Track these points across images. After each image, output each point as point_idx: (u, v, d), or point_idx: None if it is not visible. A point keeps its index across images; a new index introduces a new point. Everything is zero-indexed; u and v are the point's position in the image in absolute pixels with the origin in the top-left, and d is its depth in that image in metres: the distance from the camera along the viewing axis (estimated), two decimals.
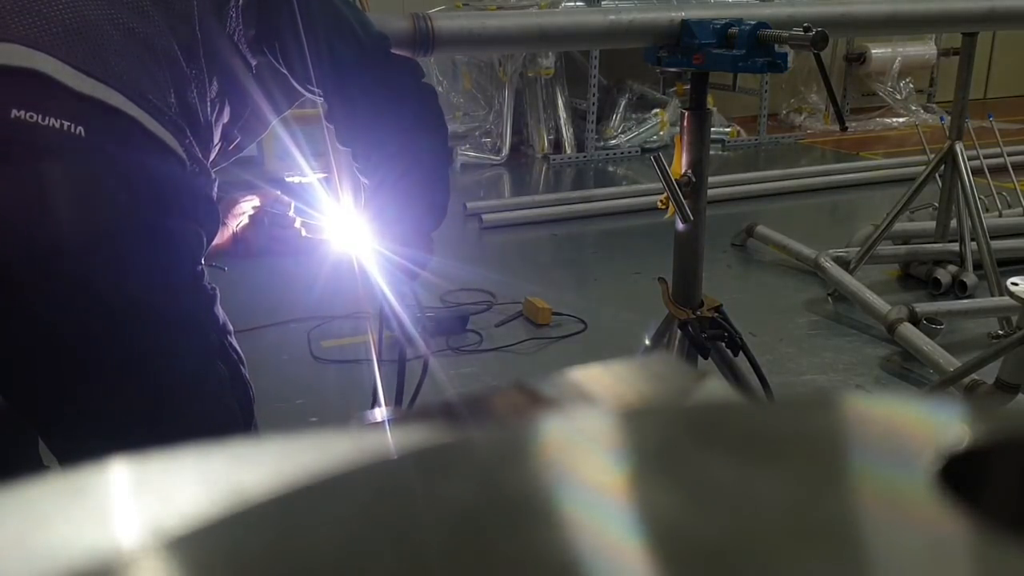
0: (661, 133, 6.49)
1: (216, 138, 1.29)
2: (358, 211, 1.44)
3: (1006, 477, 0.23)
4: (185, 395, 1.12)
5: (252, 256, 1.75)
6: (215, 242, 1.68)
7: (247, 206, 1.70)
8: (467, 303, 3.50)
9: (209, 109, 1.20)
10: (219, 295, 1.15)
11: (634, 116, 6.55)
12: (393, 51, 1.27)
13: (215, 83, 1.21)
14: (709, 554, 0.20)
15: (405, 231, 1.40)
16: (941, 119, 5.02)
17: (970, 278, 3.50)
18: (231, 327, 1.20)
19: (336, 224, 1.72)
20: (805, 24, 1.53)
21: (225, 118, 1.29)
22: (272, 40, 1.22)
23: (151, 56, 1.08)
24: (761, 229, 4.09)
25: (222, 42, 1.20)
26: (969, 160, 3.36)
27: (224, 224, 1.68)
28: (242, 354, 1.20)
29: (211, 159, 1.27)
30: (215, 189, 1.18)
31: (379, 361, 1.75)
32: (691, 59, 1.66)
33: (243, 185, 1.42)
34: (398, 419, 0.40)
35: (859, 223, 4.04)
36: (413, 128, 1.26)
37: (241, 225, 1.71)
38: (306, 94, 1.29)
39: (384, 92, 1.22)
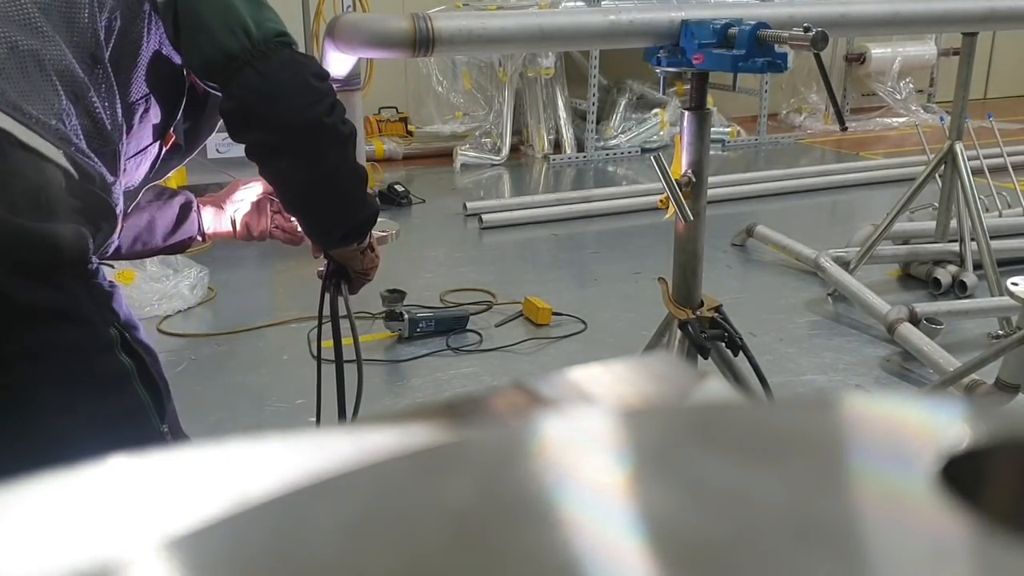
0: (661, 133, 6.49)
1: (148, 138, 1.35)
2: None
3: (1006, 477, 0.23)
4: (80, 387, 1.16)
5: (254, 241, 1.76)
6: (214, 230, 1.69)
7: (247, 192, 1.70)
8: (467, 303, 3.50)
9: (122, 112, 1.26)
10: (119, 292, 1.20)
11: (634, 116, 6.55)
12: (294, 50, 1.29)
13: (135, 85, 1.28)
14: (709, 554, 0.20)
15: (319, 230, 1.48)
16: (941, 119, 5.02)
17: (970, 278, 3.50)
18: (137, 323, 1.23)
19: None
20: (805, 24, 1.53)
21: (155, 118, 1.34)
22: (176, 38, 1.28)
23: (38, 70, 1.14)
24: (761, 229, 4.09)
25: (141, 45, 1.27)
26: (969, 160, 3.36)
27: (220, 208, 1.69)
28: (152, 348, 1.25)
29: (132, 155, 1.34)
30: (116, 188, 1.24)
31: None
32: (691, 59, 1.66)
33: (249, 172, 1.46)
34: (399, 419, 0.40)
35: (859, 223, 4.04)
36: (302, 128, 1.28)
37: (241, 211, 1.71)
38: (209, 89, 1.34)
39: (269, 89, 1.25)
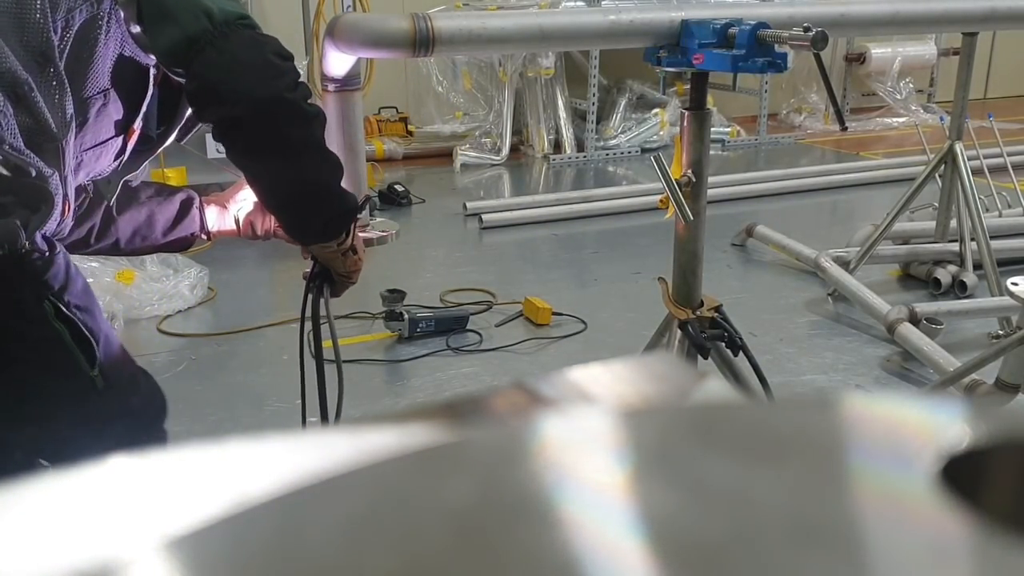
0: (661, 133, 6.49)
1: (108, 132, 1.41)
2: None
3: (1006, 477, 0.23)
4: (13, 353, 1.30)
5: (258, 240, 1.76)
6: (218, 228, 1.70)
7: (251, 192, 1.70)
8: (467, 303, 3.50)
9: (75, 107, 1.32)
10: (59, 260, 1.29)
11: (634, 116, 6.55)
12: (255, 30, 1.33)
13: (91, 81, 1.33)
14: (709, 554, 0.20)
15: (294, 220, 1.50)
16: (941, 119, 5.03)
17: (970, 278, 3.50)
18: (77, 282, 1.33)
19: None
20: (805, 24, 1.53)
21: (116, 113, 1.39)
22: (142, 31, 1.34)
23: None
24: (761, 229, 4.09)
25: (98, 42, 1.32)
26: (969, 160, 3.36)
27: (224, 207, 1.70)
28: (90, 304, 1.36)
29: (90, 147, 1.40)
30: (54, 178, 1.29)
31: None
32: (691, 59, 1.66)
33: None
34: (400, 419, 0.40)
35: (859, 223, 4.04)
36: (263, 100, 1.31)
37: (244, 210, 1.72)
38: (174, 77, 1.38)
39: (230, 65, 1.29)
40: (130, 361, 1.46)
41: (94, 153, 1.42)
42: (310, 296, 1.66)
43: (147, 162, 1.61)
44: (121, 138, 1.45)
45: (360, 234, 1.77)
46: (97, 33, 1.31)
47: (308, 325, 1.70)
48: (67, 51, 1.29)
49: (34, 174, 1.25)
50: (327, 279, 1.64)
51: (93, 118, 1.37)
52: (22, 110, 1.24)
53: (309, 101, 1.37)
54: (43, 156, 1.27)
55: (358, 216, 1.69)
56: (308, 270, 1.67)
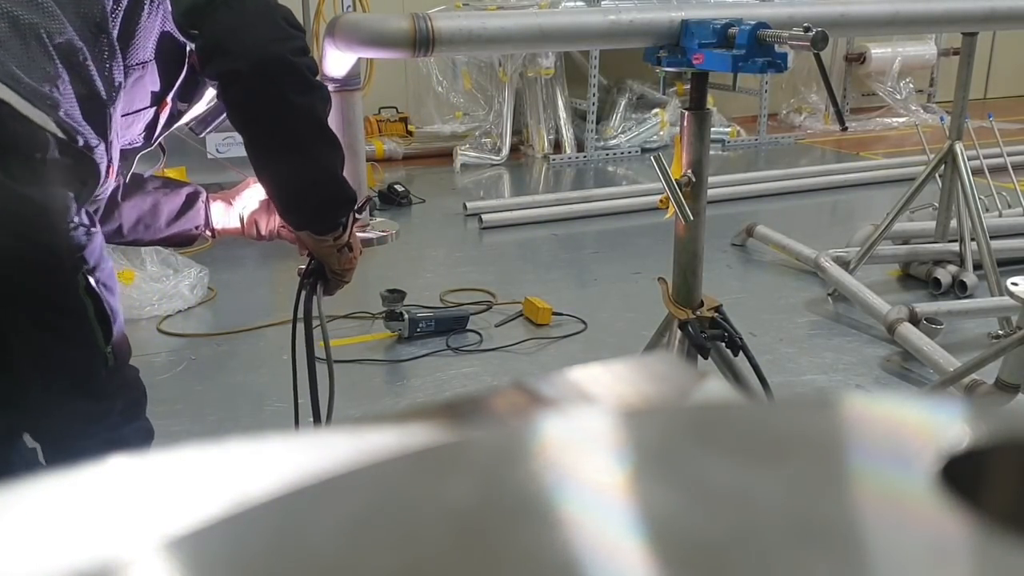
0: (661, 133, 6.49)
1: (144, 101, 1.46)
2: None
3: (1006, 477, 0.23)
4: (44, 321, 1.35)
5: (262, 240, 1.77)
6: (222, 225, 1.71)
7: (257, 191, 1.71)
8: (467, 303, 3.50)
9: (122, 75, 1.37)
10: (96, 238, 1.34)
11: (634, 116, 6.55)
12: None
13: (135, 53, 1.39)
14: (709, 554, 0.20)
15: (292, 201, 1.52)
16: (941, 119, 5.02)
17: (970, 278, 3.50)
18: (106, 262, 1.39)
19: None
20: (805, 24, 1.53)
21: (152, 84, 1.45)
22: None
23: (36, 41, 1.26)
24: (761, 229, 4.09)
25: (142, 16, 1.38)
26: (969, 160, 3.36)
27: (229, 204, 1.71)
28: (112, 283, 1.41)
29: (125, 115, 1.44)
30: (99, 148, 1.34)
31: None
32: (691, 59, 1.66)
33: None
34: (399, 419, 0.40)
35: (859, 223, 4.04)
36: (266, 58, 1.34)
37: (249, 208, 1.72)
38: (188, 41, 1.43)
39: (239, 23, 1.34)
40: (129, 345, 1.50)
41: (127, 121, 1.47)
42: (303, 294, 1.66)
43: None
44: (154, 109, 1.50)
45: (360, 234, 1.77)
46: (143, 5, 1.37)
47: (303, 324, 1.70)
48: (119, 22, 1.34)
49: (81, 143, 1.29)
50: (321, 277, 1.64)
51: (131, 85, 1.42)
52: (76, 78, 1.29)
53: (316, 77, 1.39)
54: (93, 125, 1.32)
55: (357, 216, 1.68)
56: (303, 267, 1.67)
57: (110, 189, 1.45)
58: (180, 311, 3.45)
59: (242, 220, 1.73)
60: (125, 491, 0.28)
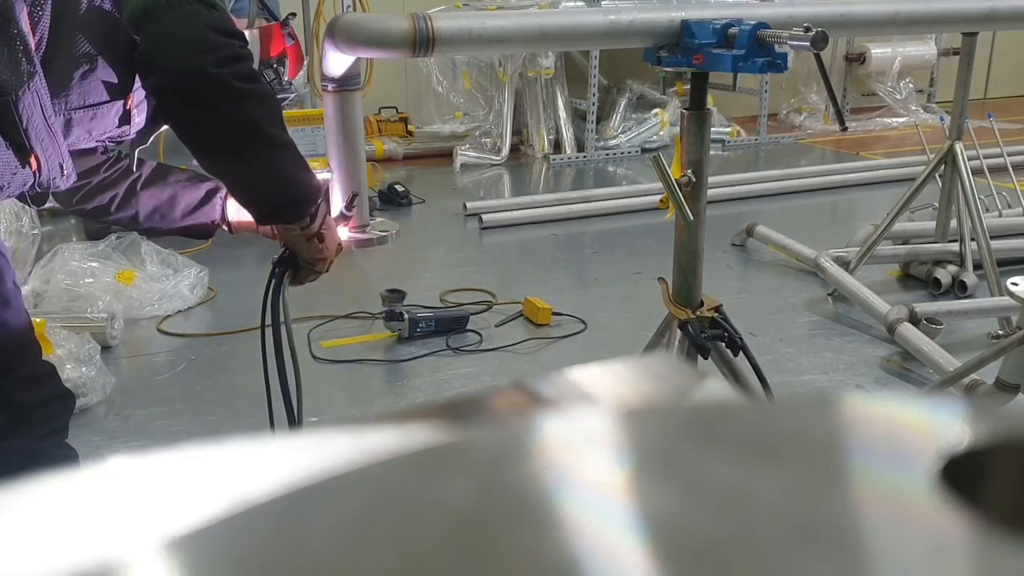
0: (661, 133, 6.49)
1: (100, 96, 1.48)
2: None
3: (1006, 477, 0.23)
4: None
5: (278, 240, 1.77)
6: (238, 219, 1.77)
7: None
8: (467, 303, 3.50)
9: (59, 65, 1.41)
10: None
11: (634, 116, 6.55)
12: (207, 5, 1.38)
13: (77, 44, 1.42)
14: (709, 554, 0.20)
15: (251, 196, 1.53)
16: (941, 119, 5.02)
17: (970, 278, 3.50)
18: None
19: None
20: (805, 24, 1.53)
21: (108, 79, 1.46)
22: None
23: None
24: (761, 229, 4.09)
25: (80, 8, 1.40)
26: (969, 160, 3.36)
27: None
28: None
29: (78, 108, 1.47)
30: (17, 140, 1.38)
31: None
32: (691, 59, 1.66)
33: None
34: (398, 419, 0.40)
35: (859, 223, 4.04)
36: (186, 73, 1.35)
37: None
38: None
39: (166, 36, 1.35)
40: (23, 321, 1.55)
41: (86, 113, 1.48)
42: (272, 282, 1.66)
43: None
44: (120, 103, 1.51)
45: (360, 235, 1.77)
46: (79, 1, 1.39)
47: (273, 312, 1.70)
48: (48, 8, 1.37)
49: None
50: (292, 265, 1.64)
51: (78, 80, 1.44)
52: None
53: (252, 82, 1.39)
54: None
55: (348, 213, 1.69)
56: (277, 255, 1.67)
57: (58, 179, 1.47)
58: (180, 311, 3.44)
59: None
60: (125, 491, 0.28)
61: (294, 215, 1.53)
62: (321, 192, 1.55)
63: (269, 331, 1.71)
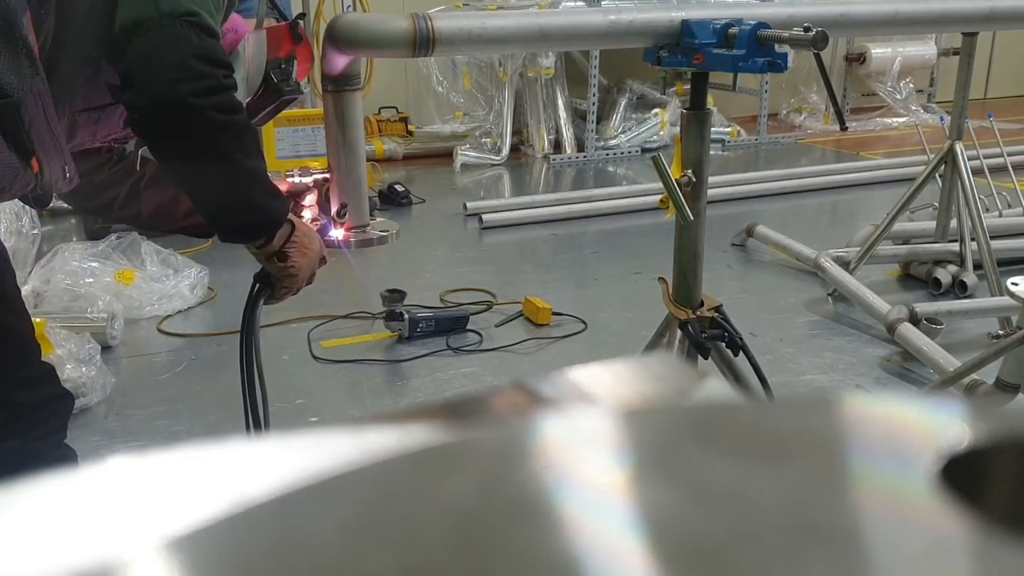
0: (661, 133, 6.49)
1: (104, 98, 1.48)
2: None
3: (1006, 477, 0.23)
4: None
5: None
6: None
7: None
8: (467, 303, 3.50)
9: (63, 69, 1.42)
10: None
11: (634, 116, 6.54)
12: (196, 29, 1.37)
13: (80, 48, 1.43)
14: (709, 554, 0.20)
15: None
16: (941, 119, 5.02)
17: (970, 278, 3.50)
18: None
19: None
20: (805, 24, 1.53)
21: (112, 79, 1.45)
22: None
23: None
24: (761, 229, 4.09)
25: (83, 15, 1.41)
26: (969, 160, 3.36)
27: None
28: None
29: (82, 110, 1.48)
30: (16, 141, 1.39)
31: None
32: (691, 59, 1.66)
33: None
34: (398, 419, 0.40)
35: (859, 223, 4.04)
36: (165, 100, 1.35)
37: None
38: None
39: (150, 57, 1.35)
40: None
41: (91, 116, 1.49)
42: (249, 298, 1.68)
43: None
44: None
45: (360, 235, 1.77)
46: (83, 3, 1.39)
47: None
48: (51, 12, 1.38)
49: None
50: (267, 282, 1.65)
51: (82, 83, 1.44)
52: None
53: (232, 113, 1.38)
54: None
55: (340, 220, 1.69)
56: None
57: (60, 181, 1.47)
58: (180, 311, 3.44)
59: None
60: (125, 491, 0.28)
61: (255, 238, 1.53)
62: (284, 217, 1.54)
63: (247, 348, 1.74)
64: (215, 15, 1.40)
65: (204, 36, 1.36)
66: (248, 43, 1.59)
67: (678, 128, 1.83)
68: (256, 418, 1.74)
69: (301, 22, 1.67)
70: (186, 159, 1.41)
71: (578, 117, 6.45)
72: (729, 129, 6.87)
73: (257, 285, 1.66)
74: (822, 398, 0.27)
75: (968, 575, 0.20)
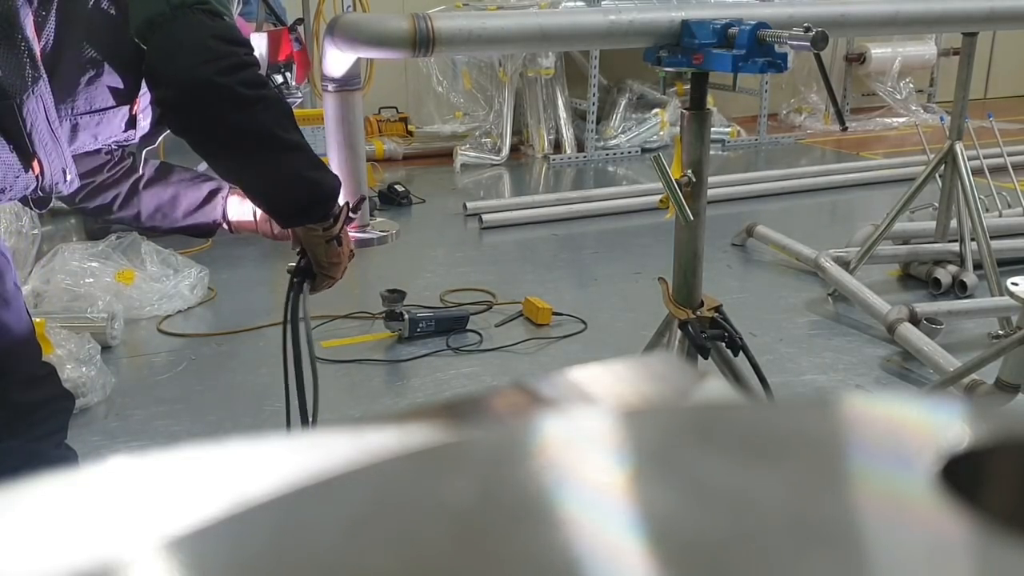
0: (661, 133, 6.48)
1: (106, 101, 1.49)
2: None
3: (1006, 477, 0.23)
4: None
5: (277, 240, 1.79)
6: (238, 218, 1.78)
7: None
8: (467, 303, 3.50)
9: (64, 71, 1.42)
10: None
11: (634, 116, 6.54)
12: (209, 14, 1.37)
13: (82, 50, 1.43)
14: (709, 554, 0.20)
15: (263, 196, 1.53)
16: (941, 119, 5.02)
17: (970, 278, 3.50)
18: None
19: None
20: (805, 24, 1.53)
21: (114, 83, 1.47)
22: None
23: None
24: (761, 229, 4.09)
25: (88, 21, 1.41)
26: (969, 160, 3.36)
27: (244, 199, 1.75)
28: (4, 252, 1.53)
29: (84, 113, 1.48)
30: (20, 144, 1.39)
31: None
32: (691, 59, 1.66)
33: None
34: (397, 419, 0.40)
35: (859, 223, 4.04)
36: (192, 84, 1.35)
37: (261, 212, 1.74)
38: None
39: (170, 48, 1.35)
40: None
41: (92, 119, 1.49)
42: (291, 292, 1.68)
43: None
44: (127, 108, 1.51)
45: (360, 235, 1.77)
46: (85, 6, 1.39)
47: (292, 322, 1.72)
48: (53, 15, 1.38)
49: None
50: (308, 275, 1.65)
51: (84, 85, 1.44)
52: None
53: (259, 88, 1.38)
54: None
55: (352, 216, 1.69)
56: (292, 264, 1.68)
57: (60, 184, 1.47)
58: (180, 311, 3.44)
59: (255, 216, 1.75)
60: (125, 491, 0.28)
61: (317, 215, 1.52)
62: (339, 188, 1.54)
63: (294, 340, 1.73)
64: (226, 3, 1.41)
65: (217, 19, 1.37)
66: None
67: (678, 128, 1.83)
68: (304, 414, 1.76)
69: (299, 27, 1.67)
70: (226, 145, 1.40)
71: (578, 117, 6.45)
72: (729, 129, 6.86)
73: (295, 280, 1.66)
74: (822, 398, 0.27)
75: (968, 575, 0.20)
